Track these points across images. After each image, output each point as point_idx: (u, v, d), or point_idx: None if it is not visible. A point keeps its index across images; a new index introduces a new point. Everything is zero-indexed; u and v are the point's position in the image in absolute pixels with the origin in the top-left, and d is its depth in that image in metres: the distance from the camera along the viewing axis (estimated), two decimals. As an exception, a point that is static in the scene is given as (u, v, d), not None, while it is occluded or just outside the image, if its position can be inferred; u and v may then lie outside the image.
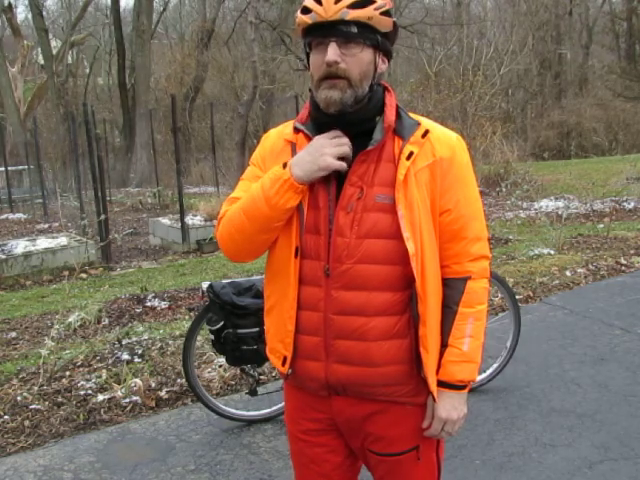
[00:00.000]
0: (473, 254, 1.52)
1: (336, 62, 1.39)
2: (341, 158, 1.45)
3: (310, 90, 1.52)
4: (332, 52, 1.39)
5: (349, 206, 1.45)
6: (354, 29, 1.39)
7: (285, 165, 1.47)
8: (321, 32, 1.41)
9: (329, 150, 1.44)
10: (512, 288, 4.35)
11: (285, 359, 1.54)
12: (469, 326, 1.51)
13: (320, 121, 1.49)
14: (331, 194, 1.47)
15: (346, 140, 1.45)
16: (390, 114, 1.48)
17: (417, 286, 1.44)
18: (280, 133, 1.60)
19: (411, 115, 1.53)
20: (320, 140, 1.46)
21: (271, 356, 1.61)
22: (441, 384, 1.52)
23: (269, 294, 1.59)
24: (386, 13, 1.43)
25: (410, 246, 1.42)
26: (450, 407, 1.52)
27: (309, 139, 1.50)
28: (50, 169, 16.76)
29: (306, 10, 1.42)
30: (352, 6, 1.37)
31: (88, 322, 5.07)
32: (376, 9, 1.40)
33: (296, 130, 1.55)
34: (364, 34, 1.41)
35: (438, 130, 1.52)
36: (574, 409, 3.31)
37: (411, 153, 1.45)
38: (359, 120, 1.47)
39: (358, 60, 1.42)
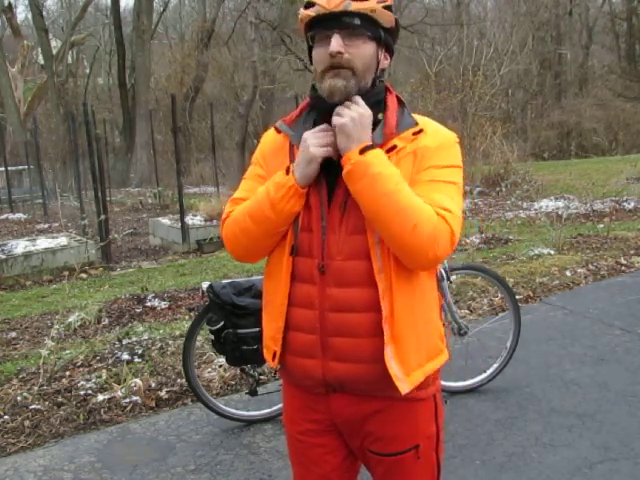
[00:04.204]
0: (438, 212, 1.41)
1: (339, 52, 1.40)
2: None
3: (313, 87, 1.52)
4: (335, 43, 1.40)
5: (342, 203, 1.46)
6: (357, 21, 1.40)
7: (288, 170, 1.47)
8: (324, 24, 1.42)
9: (312, 141, 1.45)
10: (512, 288, 4.35)
11: (275, 354, 1.56)
12: (411, 192, 1.40)
13: (323, 111, 1.49)
14: (322, 192, 1.48)
15: (331, 131, 1.45)
16: (392, 118, 1.48)
17: (377, 275, 1.43)
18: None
19: (414, 116, 1.52)
20: (305, 134, 1.47)
21: (265, 350, 1.63)
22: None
23: (265, 291, 1.62)
24: (388, 8, 1.45)
25: (375, 235, 1.42)
26: (363, 115, 1.41)
27: (288, 141, 1.53)
28: (50, 169, 16.76)
29: (309, 4, 1.44)
30: None
31: (88, 322, 5.07)
32: (379, 2, 1.42)
33: (277, 130, 1.57)
34: (367, 26, 1.42)
35: (432, 128, 1.51)
36: (574, 409, 3.31)
37: (394, 146, 1.45)
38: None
39: (361, 52, 1.43)
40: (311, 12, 1.43)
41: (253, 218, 1.50)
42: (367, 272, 1.45)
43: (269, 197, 1.47)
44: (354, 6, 1.39)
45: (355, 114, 1.41)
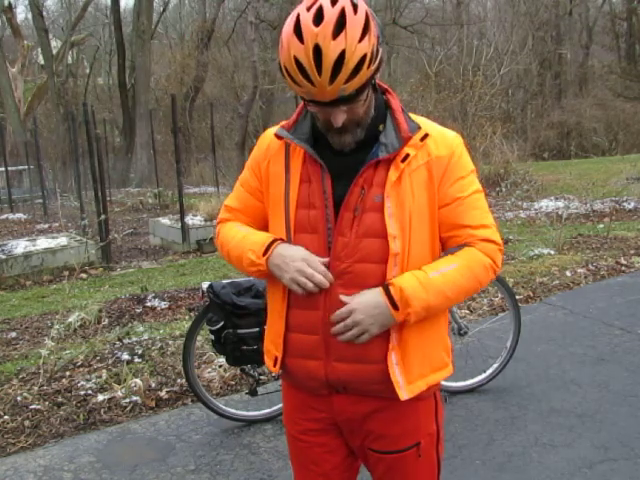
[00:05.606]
0: (479, 236, 1.49)
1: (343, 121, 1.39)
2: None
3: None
4: (339, 119, 1.37)
5: (356, 207, 1.45)
6: (354, 92, 1.34)
7: (268, 250, 1.48)
8: (320, 104, 1.37)
9: (293, 276, 1.45)
10: (512, 288, 4.35)
11: (276, 359, 1.56)
12: (448, 266, 1.46)
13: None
14: (327, 193, 1.47)
15: (311, 272, 1.44)
16: (402, 121, 1.46)
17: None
18: None
19: (412, 117, 1.51)
20: (298, 264, 1.44)
21: (265, 356, 1.63)
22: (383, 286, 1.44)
23: (267, 296, 1.63)
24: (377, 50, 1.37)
25: (395, 244, 1.42)
26: (365, 301, 1.42)
27: (293, 144, 1.50)
28: (50, 169, 16.77)
29: (294, 80, 1.33)
30: (348, 79, 1.30)
31: (88, 322, 5.07)
32: (369, 65, 1.32)
33: (278, 137, 1.54)
34: (363, 89, 1.37)
35: (436, 132, 1.50)
36: (574, 409, 3.31)
37: (407, 155, 1.44)
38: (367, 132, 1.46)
39: (361, 107, 1.41)
40: (301, 92, 1.36)
41: (233, 259, 1.60)
42: (380, 276, 1.44)
43: (242, 260, 1.54)
44: (350, 88, 1.32)
45: (356, 330, 1.42)
